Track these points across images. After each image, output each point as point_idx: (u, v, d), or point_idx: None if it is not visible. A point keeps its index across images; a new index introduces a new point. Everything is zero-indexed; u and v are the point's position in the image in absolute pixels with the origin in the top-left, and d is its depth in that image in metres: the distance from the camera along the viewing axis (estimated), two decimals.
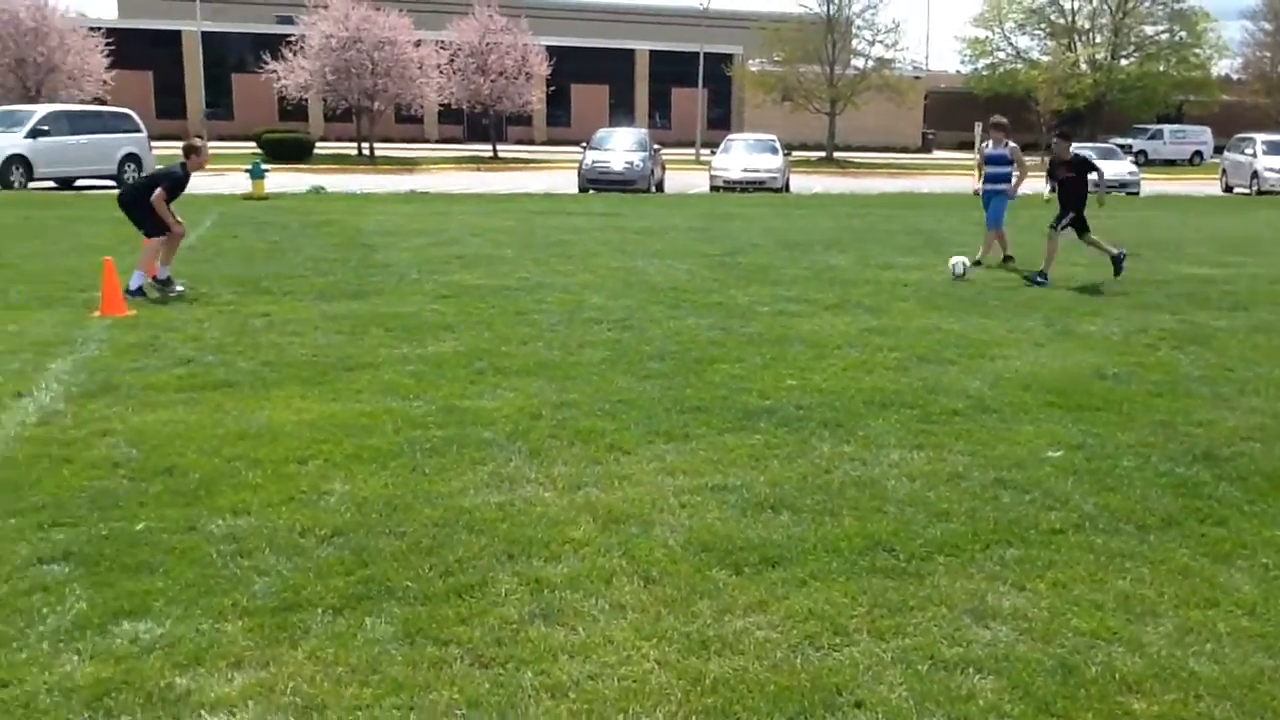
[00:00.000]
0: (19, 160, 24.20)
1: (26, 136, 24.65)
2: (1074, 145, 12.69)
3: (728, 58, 55.09)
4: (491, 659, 3.52)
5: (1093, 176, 12.00)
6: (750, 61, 53.44)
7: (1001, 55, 59.05)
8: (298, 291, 10.36)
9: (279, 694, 3.30)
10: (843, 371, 7.51)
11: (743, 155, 31.07)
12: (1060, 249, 12.01)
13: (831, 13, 48.00)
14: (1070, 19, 58.49)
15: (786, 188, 30.60)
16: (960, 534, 4.59)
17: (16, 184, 23.89)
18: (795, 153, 36.53)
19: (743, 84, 53.37)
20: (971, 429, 6.14)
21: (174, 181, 10.01)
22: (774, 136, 33.36)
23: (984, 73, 58.44)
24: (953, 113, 59.94)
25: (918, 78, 55.96)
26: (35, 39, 35.25)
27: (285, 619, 3.75)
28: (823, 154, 47.84)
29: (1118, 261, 11.94)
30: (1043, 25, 59.12)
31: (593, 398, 6.64)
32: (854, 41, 49.80)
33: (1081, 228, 11.90)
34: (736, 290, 10.97)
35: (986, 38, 59.40)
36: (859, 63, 49.07)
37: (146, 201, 9.86)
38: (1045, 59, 55.71)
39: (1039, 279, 11.69)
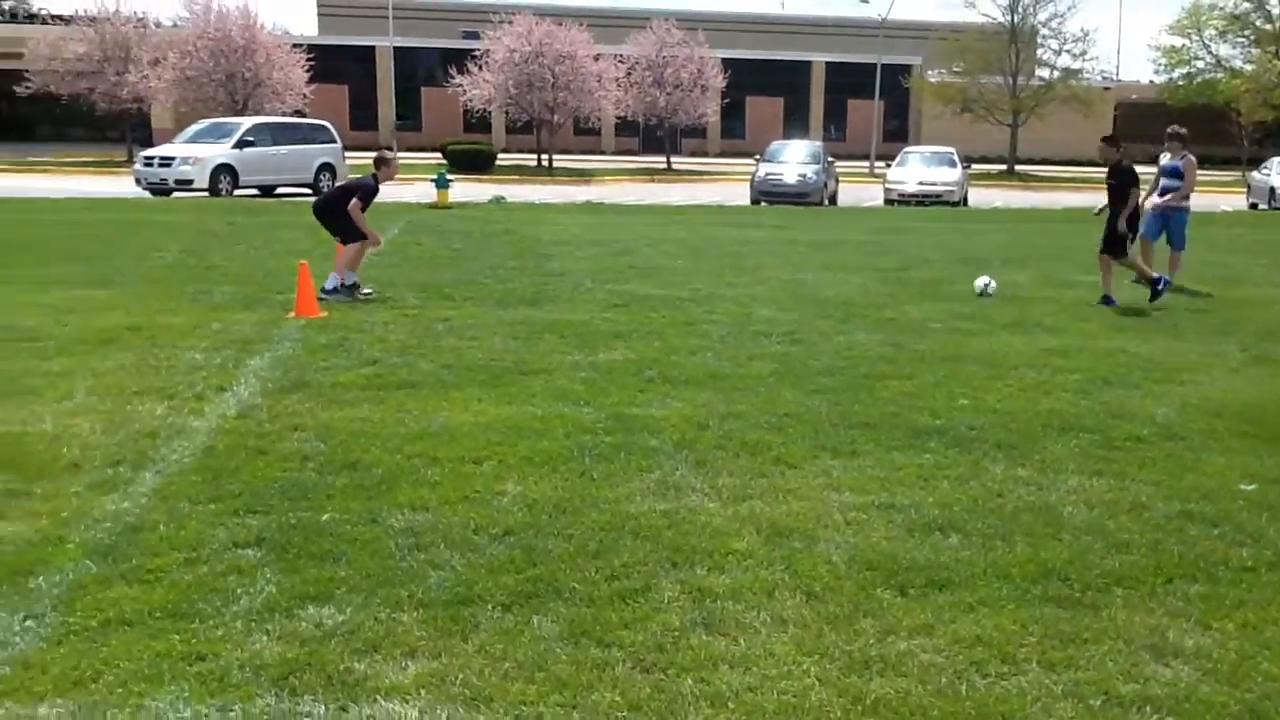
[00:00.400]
0: (226, 169, 25.86)
1: (234, 147, 26.34)
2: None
3: (905, 69, 54.15)
4: (653, 664, 3.57)
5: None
6: (929, 72, 52.36)
7: (1200, 64, 55.95)
8: (477, 298, 10.72)
9: (449, 684, 3.43)
10: (1019, 392, 7.29)
11: (919, 168, 30.47)
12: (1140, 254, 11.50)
13: (1015, 21, 46.56)
14: (1277, 25, 55.02)
15: (964, 202, 29.84)
16: (1141, 566, 4.39)
17: (224, 191, 25.52)
18: (974, 166, 35.59)
19: (920, 95, 52.35)
20: (1156, 457, 5.86)
21: (367, 191, 10.52)
22: (952, 149, 32.58)
23: (1180, 83, 55.52)
24: (1144, 124, 56.98)
25: (1107, 88, 53.70)
26: (244, 55, 37.59)
27: (457, 612, 3.90)
28: (1003, 167, 46.43)
29: (1155, 285, 11.06)
30: (1246, 32, 55.67)
31: (760, 410, 6.65)
32: (1039, 51, 48.17)
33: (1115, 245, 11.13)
34: (909, 306, 10.78)
35: (1184, 46, 56.30)
36: (1044, 73, 47.46)
37: (341, 210, 10.40)
38: (1249, 68, 52.54)
39: (1157, 288, 11.00)
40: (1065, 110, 45.50)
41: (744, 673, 3.53)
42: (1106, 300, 11.02)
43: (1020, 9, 46.60)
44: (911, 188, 29.30)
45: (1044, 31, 47.99)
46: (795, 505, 5.03)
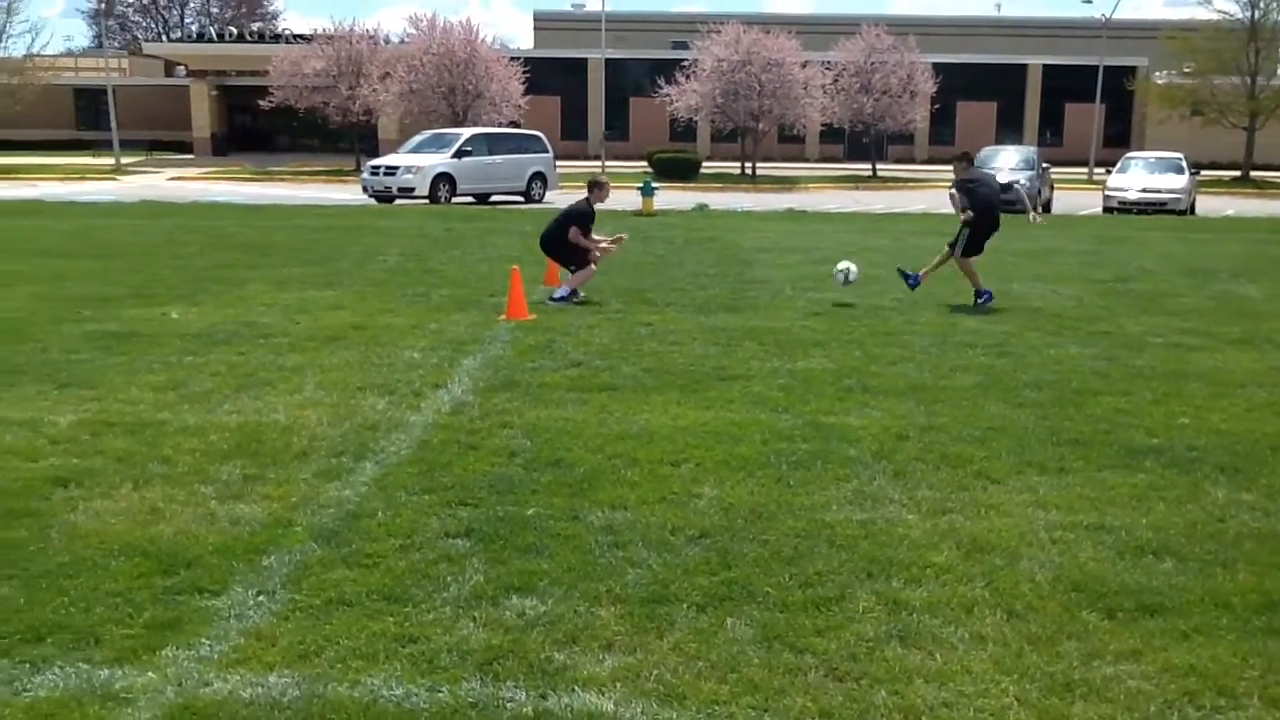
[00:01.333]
0: (445, 178, 27.09)
1: (453, 156, 27.56)
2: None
3: (1129, 71, 51.37)
4: (846, 673, 3.57)
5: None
6: (1156, 74, 49.54)
7: None
8: (678, 303, 10.88)
9: (644, 680, 3.53)
10: (1246, 412, 6.85)
11: (1142, 174, 28.90)
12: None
13: (1255, 18, 43.44)
14: None
15: (1191, 210, 28.10)
16: None
17: (442, 199, 26.73)
18: (1203, 172, 33.44)
19: (1145, 98, 49.54)
20: None
21: (583, 218, 10.98)
22: (1179, 155, 30.72)
23: None
24: None
25: None
26: (466, 69, 39.22)
27: (653, 610, 4.00)
28: (1237, 173, 43.42)
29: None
30: None
31: (962, 423, 6.50)
32: None
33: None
34: (1126, 319, 10.28)
35: None
36: None
37: (564, 240, 10.91)
38: None
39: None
40: None
41: (939, 688, 3.48)
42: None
43: (1261, 5, 43.48)
44: (1133, 195, 27.82)
45: None
46: (997, 521, 4.90)
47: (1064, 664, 3.62)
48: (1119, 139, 52.93)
